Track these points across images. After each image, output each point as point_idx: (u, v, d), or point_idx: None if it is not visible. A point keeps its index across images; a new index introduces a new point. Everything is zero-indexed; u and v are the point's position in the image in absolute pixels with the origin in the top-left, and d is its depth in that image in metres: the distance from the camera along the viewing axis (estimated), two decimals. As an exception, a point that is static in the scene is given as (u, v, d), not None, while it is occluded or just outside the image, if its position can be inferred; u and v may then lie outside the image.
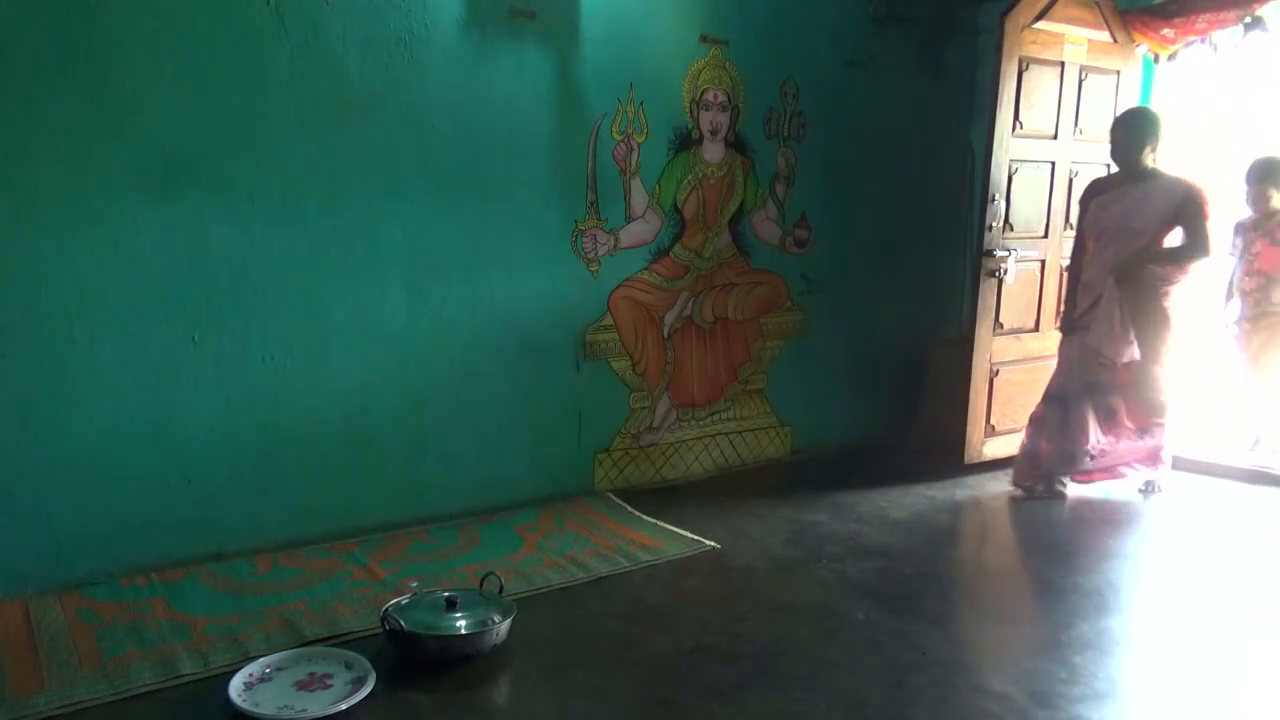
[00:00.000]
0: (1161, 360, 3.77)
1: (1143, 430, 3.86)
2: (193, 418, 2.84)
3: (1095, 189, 3.85)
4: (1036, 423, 3.87)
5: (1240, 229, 4.15)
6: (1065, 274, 4.14)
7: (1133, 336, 3.63)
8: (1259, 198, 4.03)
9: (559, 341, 3.60)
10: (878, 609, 2.69)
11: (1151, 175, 3.68)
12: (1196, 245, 3.64)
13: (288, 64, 2.87)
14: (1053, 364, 4.22)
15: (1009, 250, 4.06)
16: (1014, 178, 4.07)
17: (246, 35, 2.79)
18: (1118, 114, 3.89)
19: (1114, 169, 3.87)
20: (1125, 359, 3.63)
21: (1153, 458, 3.89)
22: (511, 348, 3.45)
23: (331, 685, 2.15)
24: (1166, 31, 4.08)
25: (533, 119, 3.39)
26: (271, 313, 2.94)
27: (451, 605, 2.36)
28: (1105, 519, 3.65)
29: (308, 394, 3.03)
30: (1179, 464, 4.18)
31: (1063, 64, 4.08)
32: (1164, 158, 3.72)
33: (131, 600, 2.60)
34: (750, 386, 4.24)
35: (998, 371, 4.18)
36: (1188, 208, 3.61)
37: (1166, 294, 3.73)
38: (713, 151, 3.92)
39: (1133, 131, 3.67)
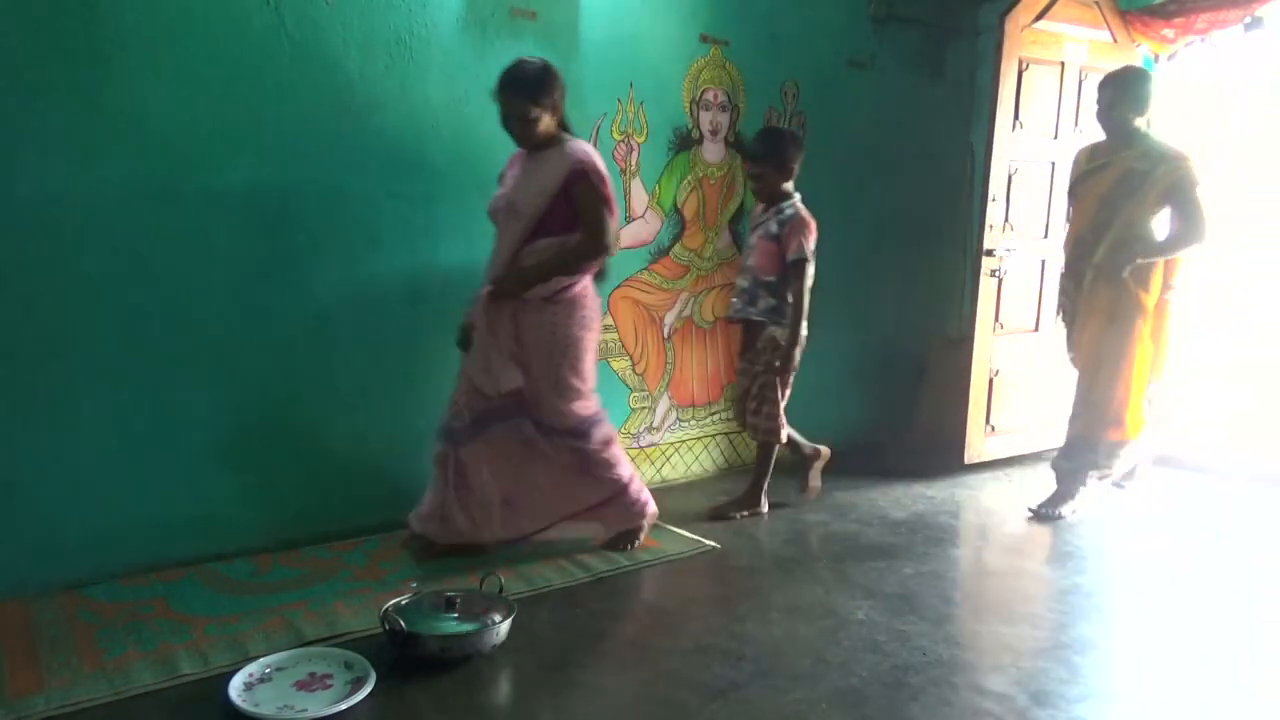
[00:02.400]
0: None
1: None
2: (193, 417, 2.84)
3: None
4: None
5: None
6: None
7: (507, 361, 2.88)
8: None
9: (559, 341, 3.59)
10: (878, 609, 2.69)
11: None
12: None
13: (288, 64, 2.87)
14: (1054, 364, 4.22)
15: (1009, 250, 4.06)
16: (1014, 178, 4.07)
17: (246, 35, 2.79)
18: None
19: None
20: (505, 386, 2.87)
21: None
22: (511, 348, 3.45)
23: (331, 685, 2.15)
24: (1166, 31, 4.09)
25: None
26: (272, 313, 2.94)
27: (451, 605, 2.35)
28: (1107, 520, 3.65)
29: (308, 393, 3.03)
30: (1201, 468, 4.19)
31: (1063, 64, 4.08)
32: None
33: (131, 600, 2.60)
34: (750, 386, 4.23)
35: (998, 371, 4.18)
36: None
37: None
38: (713, 151, 3.93)
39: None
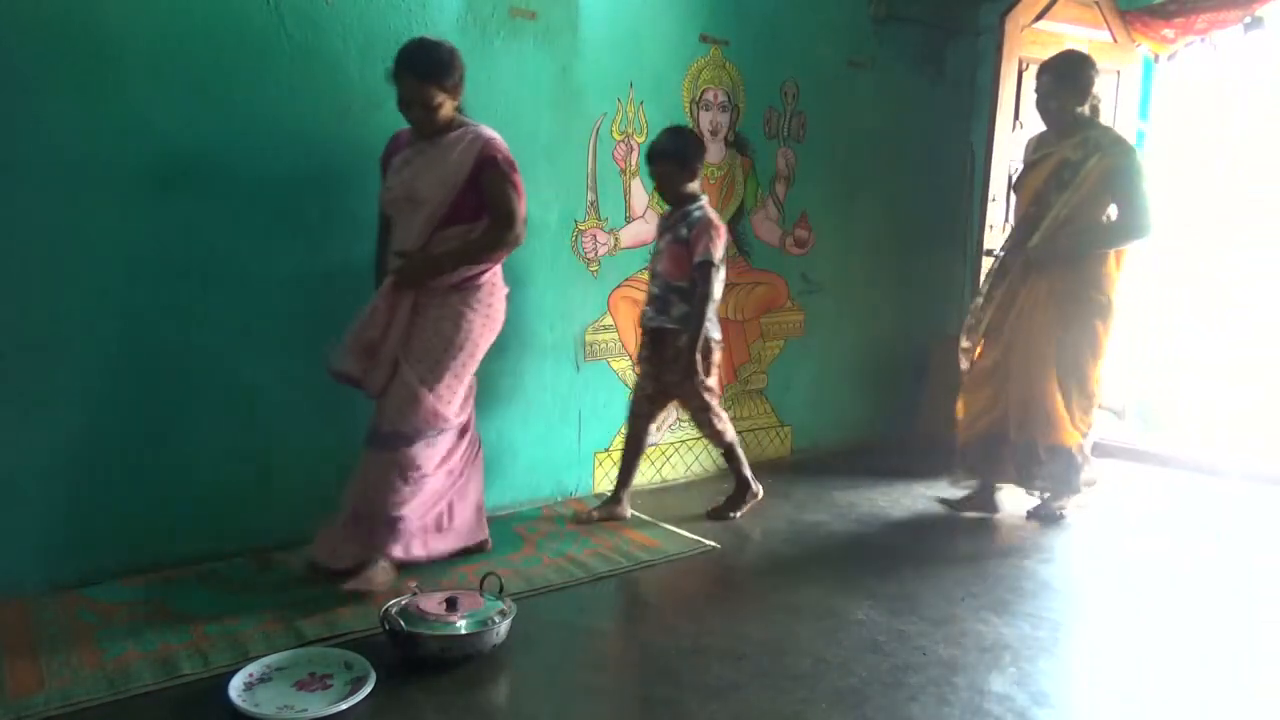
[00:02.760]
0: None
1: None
2: (192, 417, 2.84)
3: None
4: None
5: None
6: None
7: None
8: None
9: (559, 341, 3.60)
10: (878, 609, 2.69)
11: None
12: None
13: (288, 64, 2.87)
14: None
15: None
16: (1014, 178, 4.06)
17: (246, 35, 2.79)
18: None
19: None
20: (336, 364, 2.73)
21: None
22: (512, 348, 3.45)
23: (331, 685, 2.15)
24: (1167, 31, 4.09)
25: (533, 119, 3.39)
26: (271, 313, 2.94)
27: (451, 605, 2.35)
28: (1107, 520, 3.65)
29: (308, 393, 3.03)
30: (1200, 468, 4.19)
31: (1063, 64, 4.08)
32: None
33: (131, 600, 2.60)
34: (750, 386, 4.24)
35: (998, 371, 4.17)
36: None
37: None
38: (713, 151, 3.92)
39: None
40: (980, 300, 3.51)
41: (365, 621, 2.47)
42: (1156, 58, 4.23)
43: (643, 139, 3.69)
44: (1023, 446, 3.42)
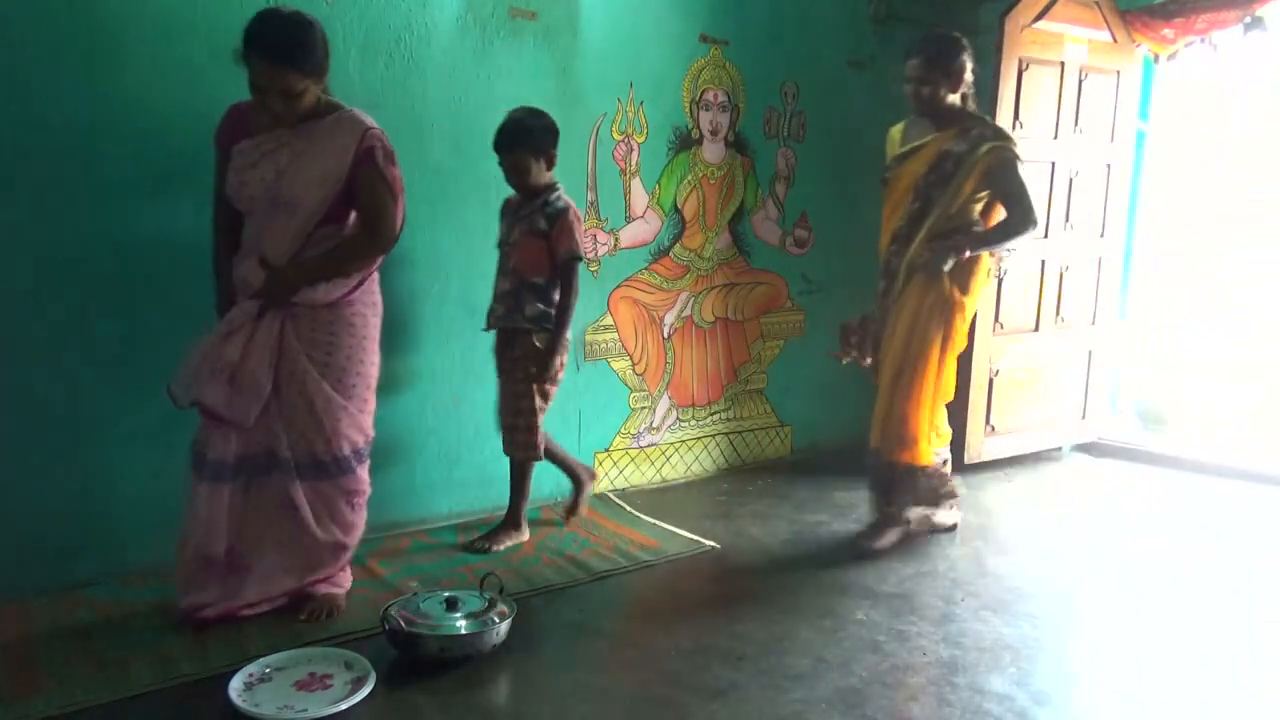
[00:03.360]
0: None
1: None
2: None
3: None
4: None
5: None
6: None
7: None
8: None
9: (559, 341, 3.60)
10: (878, 609, 2.69)
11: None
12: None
13: (288, 64, 2.87)
14: (1054, 364, 4.22)
15: (1009, 250, 4.06)
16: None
17: (246, 35, 2.79)
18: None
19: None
20: (190, 397, 2.35)
21: None
22: (511, 348, 3.45)
23: (331, 685, 2.15)
24: (1166, 31, 4.09)
25: (533, 119, 3.38)
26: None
27: (451, 605, 2.35)
28: (1107, 520, 3.65)
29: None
30: (1200, 468, 4.19)
31: (1063, 64, 4.08)
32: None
33: (131, 600, 2.59)
34: (750, 386, 4.24)
35: (998, 371, 4.18)
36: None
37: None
38: (713, 151, 3.93)
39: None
40: (875, 310, 3.30)
41: (365, 621, 2.47)
42: (1156, 58, 4.23)
43: (643, 139, 3.69)
44: (881, 464, 3.19)
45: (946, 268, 3.04)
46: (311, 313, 2.40)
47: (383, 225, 2.41)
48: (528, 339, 3.01)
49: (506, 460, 3.16)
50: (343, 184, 2.35)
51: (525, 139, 2.91)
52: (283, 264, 2.35)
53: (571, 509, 3.38)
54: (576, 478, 3.37)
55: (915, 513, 3.21)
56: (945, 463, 3.33)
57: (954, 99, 3.06)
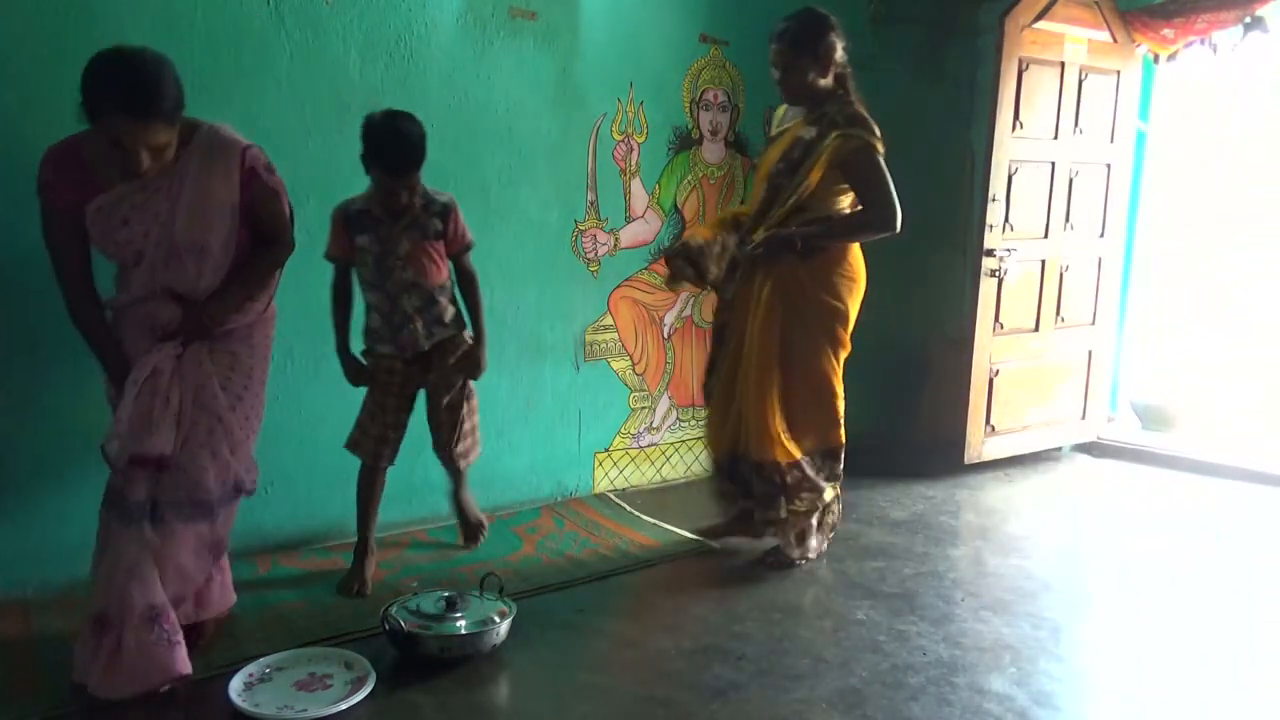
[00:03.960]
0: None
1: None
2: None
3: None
4: None
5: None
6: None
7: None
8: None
9: (559, 341, 3.60)
10: (878, 609, 2.69)
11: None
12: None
13: (288, 64, 2.87)
14: (1054, 364, 4.21)
15: (1009, 250, 4.06)
16: (1014, 178, 4.07)
17: (246, 35, 2.79)
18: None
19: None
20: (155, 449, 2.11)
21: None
22: (511, 348, 3.45)
23: (331, 685, 2.15)
24: (1166, 31, 4.09)
25: (533, 119, 3.39)
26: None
27: (451, 605, 2.35)
28: (1107, 520, 3.65)
29: (307, 393, 3.03)
30: (1200, 468, 4.19)
31: (1063, 64, 4.08)
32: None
33: (131, 600, 2.59)
34: (750, 386, 4.23)
35: (998, 371, 4.18)
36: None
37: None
38: (713, 151, 3.93)
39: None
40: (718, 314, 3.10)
41: (365, 621, 2.47)
42: (1156, 58, 4.22)
43: (643, 139, 3.69)
44: (747, 464, 2.97)
45: (779, 263, 2.80)
46: (223, 342, 2.25)
47: (285, 235, 2.34)
48: (455, 341, 2.84)
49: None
50: (239, 210, 2.18)
51: (423, 155, 2.62)
52: (202, 300, 2.19)
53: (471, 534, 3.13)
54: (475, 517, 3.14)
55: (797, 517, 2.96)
56: (826, 490, 2.97)
57: (826, 83, 2.81)
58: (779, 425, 2.88)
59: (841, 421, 2.99)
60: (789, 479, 2.88)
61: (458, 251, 2.81)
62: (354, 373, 2.83)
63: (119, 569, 2.06)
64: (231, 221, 2.16)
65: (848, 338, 2.97)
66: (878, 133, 2.78)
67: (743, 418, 2.95)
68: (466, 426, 2.95)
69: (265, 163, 2.25)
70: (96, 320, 2.19)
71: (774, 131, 3.03)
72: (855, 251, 2.94)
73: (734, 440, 3.00)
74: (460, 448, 2.94)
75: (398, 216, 2.68)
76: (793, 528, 2.94)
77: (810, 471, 2.91)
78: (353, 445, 2.82)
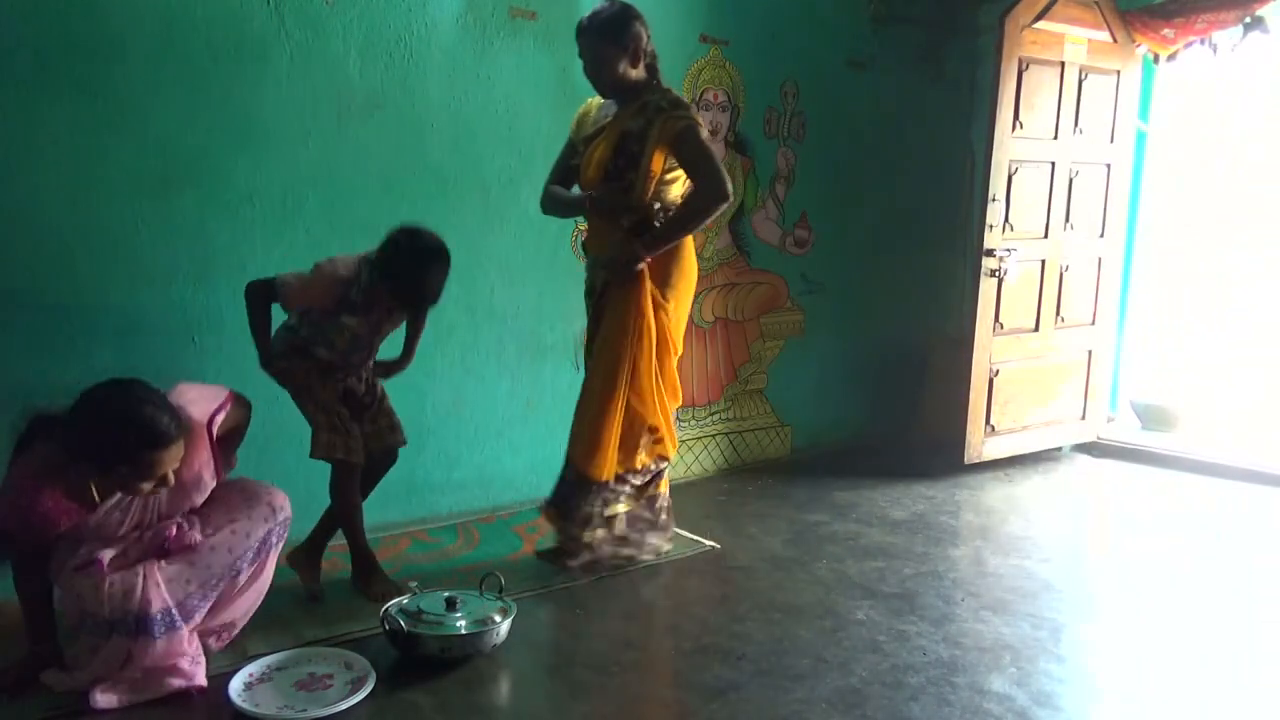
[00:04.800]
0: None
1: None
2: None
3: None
4: None
5: None
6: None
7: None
8: None
9: (559, 341, 3.60)
10: (878, 609, 2.69)
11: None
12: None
13: (288, 64, 2.87)
14: (1054, 364, 4.20)
15: (1009, 250, 4.06)
16: (1014, 178, 4.07)
17: (246, 35, 2.79)
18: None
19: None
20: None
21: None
22: (511, 348, 3.46)
23: (331, 685, 2.15)
24: (1166, 31, 4.09)
25: (533, 119, 3.39)
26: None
27: (451, 605, 2.35)
28: (1107, 520, 3.65)
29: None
30: (1200, 468, 4.19)
31: (1063, 64, 4.08)
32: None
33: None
34: (750, 386, 4.24)
35: (998, 371, 4.18)
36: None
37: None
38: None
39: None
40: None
41: (365, 621, 2.47)
42: (1156, 58, 4.22)
43: (643, 139, 3.69)
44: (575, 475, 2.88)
45: (640, 264, 2.76)
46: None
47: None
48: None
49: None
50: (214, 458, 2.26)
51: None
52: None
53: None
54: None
55: (599, 536, 2.90)
56: (651, 485, 2.98)
57: (638, 73, 2.77)
58: (607, 438, 2.85)
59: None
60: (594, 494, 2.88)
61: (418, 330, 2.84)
62: (285, 374, 2.62)
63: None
64: (208, 480, 2.24)
65: (673, 335, 2.91)
66: (698, 116, 2.79)
67: (578, 430, 2.90)
68: (388, 415, 2.83)
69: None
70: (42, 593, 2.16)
71: (589, 130, 2.88)
72: (688, 251, 2.94)
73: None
74: (397, 438, 2.82)
75: (367, 308, 2.62)
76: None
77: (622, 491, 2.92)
78: (327, 449, 2.59)
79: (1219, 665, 2.42)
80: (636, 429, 2.87)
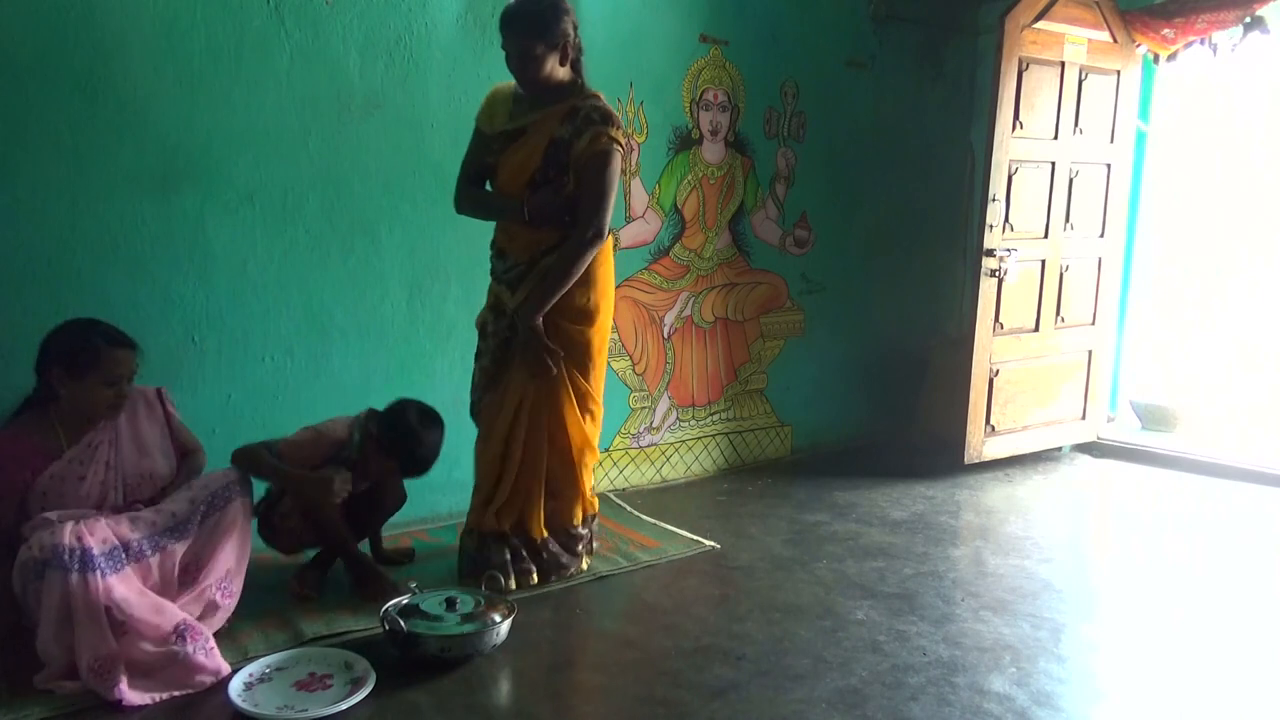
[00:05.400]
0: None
1: None
2: (193, 418, 2.83)
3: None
4: None
5: None
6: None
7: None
8: None
9: (559, 341, 3.59)
10: (878, 609, 2.69)
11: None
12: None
13: (288, 64, 2.87)
14: (1054, 364, 4.21)
15: (1009, 250, 4.06)
16: (1014, 178, 4.07)
17: (246, 35, 2.79)
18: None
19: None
20: None
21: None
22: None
23: (331, 685, 2.15)
24: (1166, 31, 4.09)
25: (533, 119, 3.38)
26: (271, 313, 2.94)
27: (451, 605, 2.35)
28: (1107, 520, 3.65)
29: (307, 394, 3.03)
30: (1200, 468, 4.18)
31: (1063, 64, 4.08)
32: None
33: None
34: (750, 386, 4.24)
35: (998, 371, 4.18)
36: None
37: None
38: (713, 151, 3.92)
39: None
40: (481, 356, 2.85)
41: (365, 621, 2.47)
42: (1156, 58, 4.22)
43: (643, 139, 3.69)
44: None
45: (536, 319, 2.62)
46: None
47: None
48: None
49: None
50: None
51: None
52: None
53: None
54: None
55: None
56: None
57: (564, 72, 2.57)
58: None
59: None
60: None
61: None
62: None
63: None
64: (170, 454, 2.47)
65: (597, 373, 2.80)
66: (622, 136, 2.62)
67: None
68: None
69: (168, 401, 2.53)
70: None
71: (503, 125, 2.64)
72: (603, 272, 2.73)
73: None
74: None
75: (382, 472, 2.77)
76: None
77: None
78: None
79: (1219, 665, 2.42)
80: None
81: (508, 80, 2.68)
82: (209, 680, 2.13)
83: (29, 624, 2.15)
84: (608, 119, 2.58)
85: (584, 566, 2.90)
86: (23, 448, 2.25)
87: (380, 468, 2.73)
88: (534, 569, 2.77)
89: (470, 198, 2.77)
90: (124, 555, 2.14)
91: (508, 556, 2.75)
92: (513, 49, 2.51)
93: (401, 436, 2.68)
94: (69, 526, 2.09)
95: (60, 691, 2.06)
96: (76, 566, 2.04)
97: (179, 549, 2.26)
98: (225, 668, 2.17)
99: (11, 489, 2.23)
